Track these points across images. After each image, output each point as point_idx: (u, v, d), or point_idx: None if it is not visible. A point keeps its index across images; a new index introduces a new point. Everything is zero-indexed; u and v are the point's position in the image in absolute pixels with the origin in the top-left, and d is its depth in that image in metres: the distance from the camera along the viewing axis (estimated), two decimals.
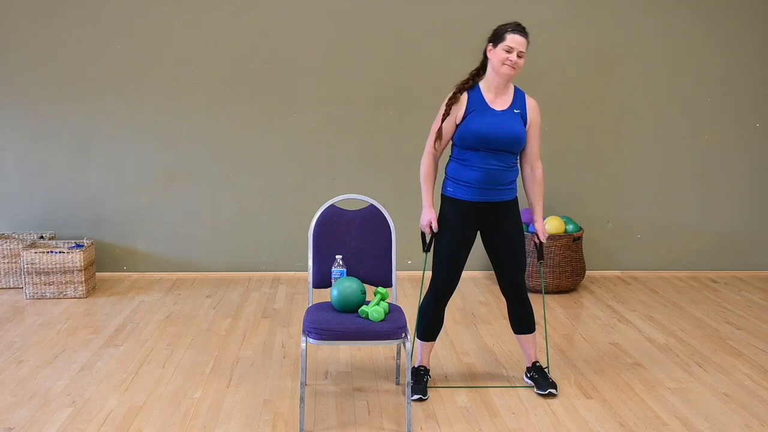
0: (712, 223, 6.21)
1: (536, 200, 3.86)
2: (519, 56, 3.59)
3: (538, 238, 3.93)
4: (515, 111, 3.68)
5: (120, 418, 3.56)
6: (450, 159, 3.79)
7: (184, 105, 5.89)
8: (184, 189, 5.99)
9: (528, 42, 3.63)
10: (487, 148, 3.63)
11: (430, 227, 3.75)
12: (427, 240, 3.82)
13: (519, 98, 3.72)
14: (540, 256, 3.98)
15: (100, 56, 5.80)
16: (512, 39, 3.58)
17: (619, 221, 6.18)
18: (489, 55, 3.66)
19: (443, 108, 3.69)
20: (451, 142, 3.77)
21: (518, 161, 3.79)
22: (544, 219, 5.65)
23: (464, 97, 3.68)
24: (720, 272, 6.23)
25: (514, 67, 3.59)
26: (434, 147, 3.71)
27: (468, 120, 3.64)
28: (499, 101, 3.68)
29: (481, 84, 3.71)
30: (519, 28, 3.62)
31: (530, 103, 3.74)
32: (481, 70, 3.72)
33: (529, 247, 5.42)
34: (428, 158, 3.75)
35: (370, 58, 5.91)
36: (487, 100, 3.66)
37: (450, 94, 3.70)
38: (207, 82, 5.87)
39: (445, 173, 3.81)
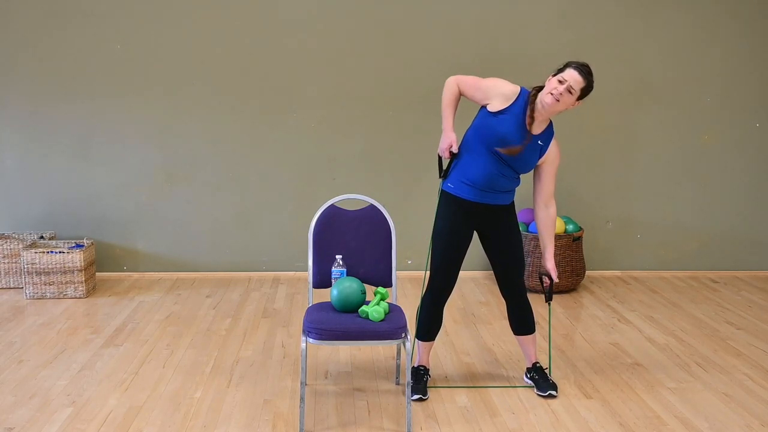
0: (712, 223, 6.21)
1: (549, 239, 3.84)
2: (569, 92, 3.53)
3: (549, 278, 3.88)
4: (539, 143, 3.67)
5: (120, 418, 3.56)
6: (459, 152, 3.75)
7: (184, 105, 5.89)
8: (184, 189, 5.99)
9: (586, 85, 3.55)
10: (497, 153, 3.63)
11: (450, 151, 3.68)
12: (444, 166, 3.77)
13: (548, 135, 3.70)
14: (549, 297, 3.93)
15: (100, 56, 5.81)
16: (568, 73, 3.55)
17: (619, 221, 6.18)
18: (546, 83, 3.62)
19: (495, 82, 3.67)
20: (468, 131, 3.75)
21: (519, 179, 3.77)
22: None
23: (513, 95, 3.64)
24: (720, 272, 6.23)
25: (558, 100, 3.53)
26: (463, 85, 3.68)
27: (498, 118, 3.61)
28: (534, 126, 3.65)
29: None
30: (580, 67, 3.56)
31: (553, 144, 3.73)
32: (537, 92, 3.65)
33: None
34: (454, 85, 3.70)
35: (370, 58, 5.91)
36: (525, 116, 3.64)
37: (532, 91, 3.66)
38: (207, 82, 5.87)
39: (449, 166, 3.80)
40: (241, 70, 5.87)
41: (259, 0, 5.81)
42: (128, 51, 5.82)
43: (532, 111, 3.61)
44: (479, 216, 3.75)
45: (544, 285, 3.93)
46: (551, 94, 3.55)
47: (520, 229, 4.95)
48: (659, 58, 6.01)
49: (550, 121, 3.72)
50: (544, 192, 3.80)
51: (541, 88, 3.64)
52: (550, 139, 3.72)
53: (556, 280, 3.88)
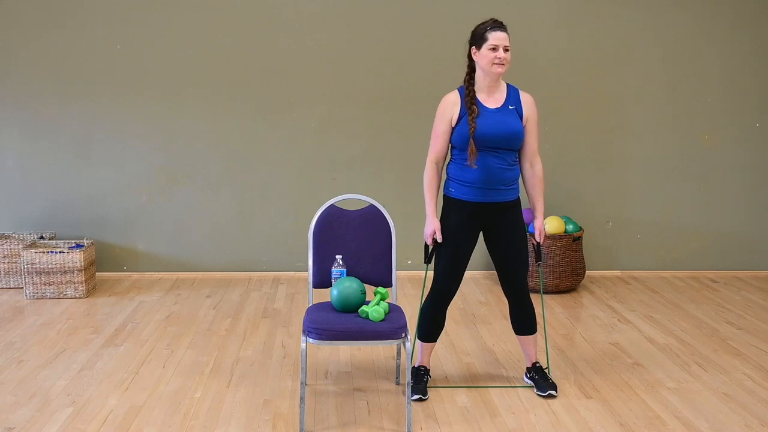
0: (712, 223, 6.21)
1: (537, 198, 3.84)
2: (505, 50, 3.60)
3: (536, 239, 3.91)
4: (510, 107, 3.68)
5: (120, 418, 3.56)
6: (450, 160, 3.78)
7: (184, 105, 5.89)
8: (184, 189, 5.99)
9: (509, 35, 3.63)
10: (485, 147, 3.63)
11: (433, 238, 3.74)
12: (429, 251, 3.80)
13: (513, 94, 3.72)
14: (538, 257, 3.96)
15: (100, 56, 5.81)
16: (494, 37, 3.59)
17: (619, 221, 6.18)
18: (475, 58, 3.66)
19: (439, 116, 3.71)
20: (450, 145, 3.77)
21: (517, 164, 3.78)
22: (544, 219, 5.68)
23: (457, 98, 3.68)
24: (720, 272, 6.23)
25: (503, 64, 3.60)
26: (434, 155, 3.72)
27: (463, 122, 3.64)
28: (492, 99, 3.68)
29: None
30: (497, 24, 3.63)
31: (525, 98, 3.73)
32: (471, 73, 3.71)
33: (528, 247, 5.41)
34: (431, 168, 3.74)
35: (370, 58, 5.91)
36: (480, 100, 3.67)
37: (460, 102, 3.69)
38: (207, 82, 5.87)
39: (447, 174, 3.80)
40: (242, 70, 5.87)
41: (260, 0, 5.81)
42: (128, 51, 5.82)
43: (472, 92, 3.64)
44: (485, 216, 3.74)
45: (533, 245, 3.94)
46: (496, 63, 3.59)
47: None
48: (659, 57, 6.01)
49: (506, 84, 3.73)
50: (528, 150, 3.77)
51: (471, 74, 3.67)
52: (518, 95, 3.72)
53: (540, 241, 3.88)
